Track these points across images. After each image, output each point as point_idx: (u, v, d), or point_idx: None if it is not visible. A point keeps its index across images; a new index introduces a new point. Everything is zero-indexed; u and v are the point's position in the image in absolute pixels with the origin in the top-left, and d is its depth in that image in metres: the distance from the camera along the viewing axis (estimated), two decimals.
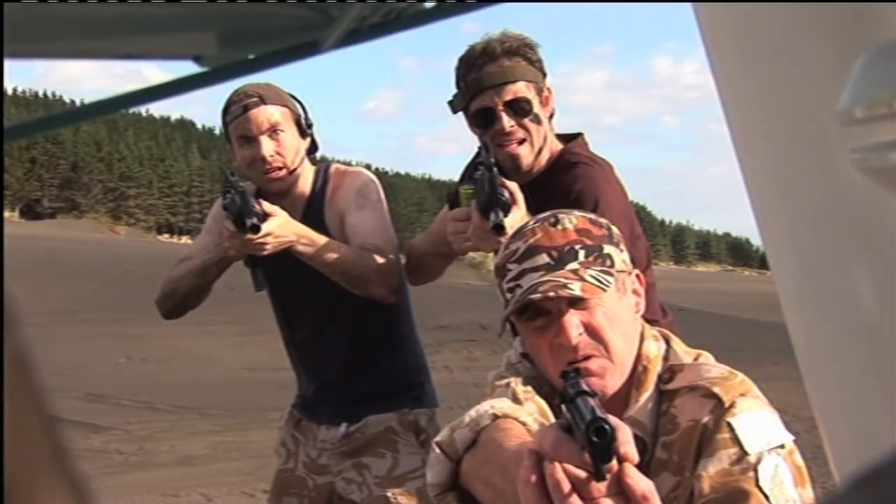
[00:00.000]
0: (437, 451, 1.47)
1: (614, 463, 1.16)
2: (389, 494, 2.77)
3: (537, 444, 1.22)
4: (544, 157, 2.41)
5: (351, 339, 2.80)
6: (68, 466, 0.23)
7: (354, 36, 0.67)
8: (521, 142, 2.37)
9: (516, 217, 2.10)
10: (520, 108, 2.36)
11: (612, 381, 1.55)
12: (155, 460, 7.56)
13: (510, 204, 2.12)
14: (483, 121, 2.38)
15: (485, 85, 2.36)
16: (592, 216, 1.65)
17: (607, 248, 1.58)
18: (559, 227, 1.58)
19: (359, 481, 2.81)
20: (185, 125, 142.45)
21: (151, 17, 0.64)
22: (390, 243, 2.70)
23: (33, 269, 22.66)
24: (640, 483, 1.17)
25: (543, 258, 1.55)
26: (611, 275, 1.55)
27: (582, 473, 1.17)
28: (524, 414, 1.48)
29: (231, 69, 0.75)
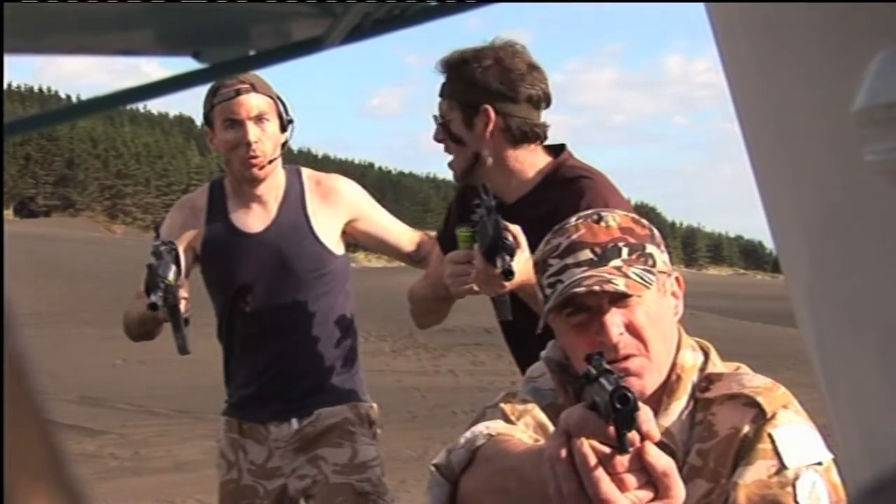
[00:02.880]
0: (435, 472, 1.50)
1: (636, 437, 1.22)
2: (353, 481, 2.87)
3: (564, 423, 1.28)
4: (531, 171, 2.45)
5: (302, 332, 2.90)
6: (65, 471, 0.23)
7: (357, 33, 0.67)
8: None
9: (521, 260, 2.15)
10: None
11: (651, 382, 1.57)
12: (151, 465, 7.58)
13: (514, 247, 2.16)
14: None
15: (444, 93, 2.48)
16: (635, 216, 1.69)
17: (650, 248, 1.61)
18: (603, 223, 1.60)
19: (313, 474, 2.88)
20: (183, 122, 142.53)
21: (150, 12, 0.64)
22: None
23: (27, 268, 22.69)
24: (661, 460, 1.23)
25: (586, 254, 1.57)
26: (653, 274, 1.57)
27: (606, 449, 1.23)
28: (518, 432, 1.53)
29: (231, 66, 0.75)
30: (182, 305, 2.56)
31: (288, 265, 2.86)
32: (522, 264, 2.14)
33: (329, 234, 2.92)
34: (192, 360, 2.69)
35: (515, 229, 2.19)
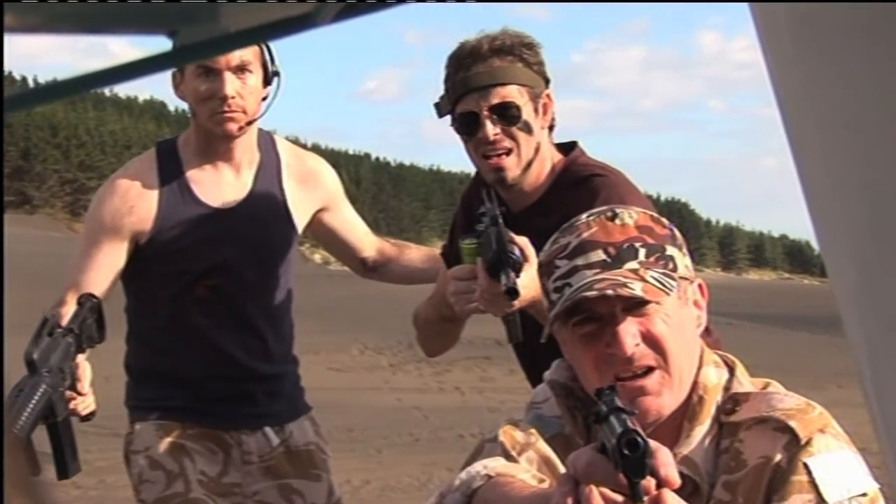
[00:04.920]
0: None
1: (652, 485, 1.21)
2: None
3: (571, 468, 1.28)
4: (543, 172, 2.45)
5: (270, 325, 2.84)
6: (39, 495, 0.24)
7: (353, 9, 0.68)
8: (508, 153, 2.39)
9: (529, 275, 2.13)
10: (507, 115, 2.39)
11: (670, 401, 1.57)
12: (118, 495, 7.57)
13: (521, 262, 2.16)
14: (466, 127, 2.43)
15: (470, 86, 2.40)
16: (654, 214, 1.69)
17: (670, 250, 1.60)
18: (617, 221, 1.60)
19: None
20: (154, 106, 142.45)
21: None
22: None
23: None
24: None
25: (599, 254, 1.56)
26: (673, 279, 1.57)
27: (618, 497, 1.23)
28: (521, 472, 1.52)
29: (211, 45, 0.76)
30: (81, 407, 2.37)
31: (261, 247, 2.78)
32: (531, 280, 2.12)
33: (301, 218, 2.86)
34: None
35: (522, 241, 2.20)
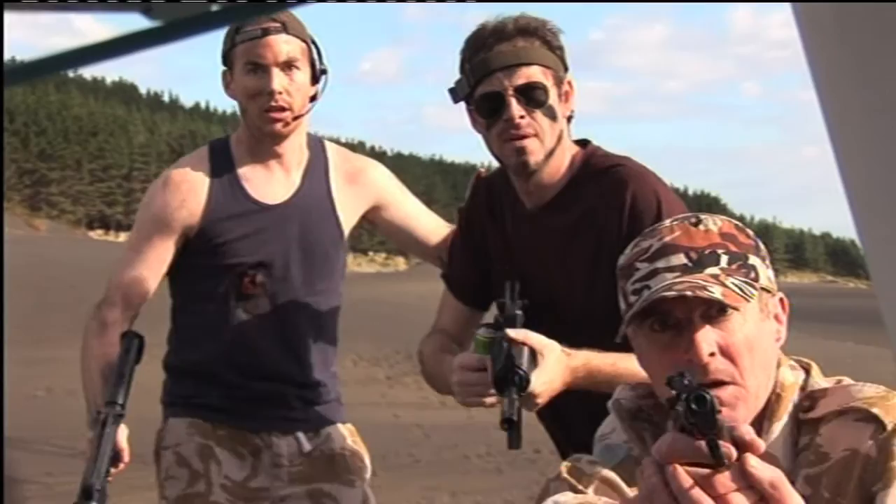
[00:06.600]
0: None
1: (733, 450, 1.32)
2: None
3: (656, 453, 1.38)
4: (563, 164, 2.53)
5: (313, 327, 3.04)
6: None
7: None
8: (531, 138, 2.45)
9: (539, 381, 2.25)
10: (533, 97, 2.46)
11: (745, 413, 1.68)
12: None
13: (528, 379, 2.23)
14: (488, 109, 2.49)
15: (493, 66, 2.47)
16: (738, 223, 1.83)
17: (753, 260, 1.75)
18: (702, 227, 1.75)
19: None
20: (124, 90, 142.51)
21: None
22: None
23: None
24: (766, 471, 1.32)
25: (680, 258, 1.71)
26: (754, 288, 1.70)
27: (703, 470, 1.32)
28: (594, 500, 1.66)
29: (189, 24, 0.76)
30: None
31: (308, 244, 2.99)
32: (547, 376, 2.25)
33: (348, 218, 3.07)
34: (135, 388, 2.68)
35: (537, 343, 2.27)
